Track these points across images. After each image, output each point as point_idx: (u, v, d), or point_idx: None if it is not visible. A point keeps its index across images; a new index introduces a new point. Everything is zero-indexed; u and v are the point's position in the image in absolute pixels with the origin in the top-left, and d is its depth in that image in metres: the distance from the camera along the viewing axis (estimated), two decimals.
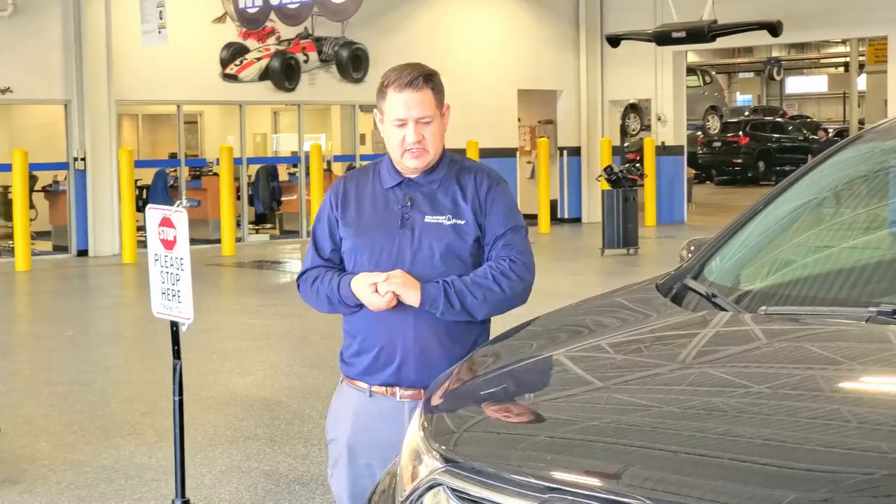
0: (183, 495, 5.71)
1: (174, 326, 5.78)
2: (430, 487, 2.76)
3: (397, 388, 3.63)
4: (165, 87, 18.25)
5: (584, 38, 22.84)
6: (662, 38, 19.00)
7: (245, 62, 19.33)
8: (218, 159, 18.46)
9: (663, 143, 22.46)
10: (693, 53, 35.80)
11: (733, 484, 2.35)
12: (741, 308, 3.19)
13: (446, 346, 3.58)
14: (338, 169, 21.26)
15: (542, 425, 2.80)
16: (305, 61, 19.91)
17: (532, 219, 21.03)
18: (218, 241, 17.98)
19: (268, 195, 20.87)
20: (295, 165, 21.05)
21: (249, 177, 20.52)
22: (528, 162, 23.53)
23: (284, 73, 19.67)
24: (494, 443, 2.78)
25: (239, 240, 18.77)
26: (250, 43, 19.35)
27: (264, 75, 19.49)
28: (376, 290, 3.49)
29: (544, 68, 22.63)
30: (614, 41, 19.95)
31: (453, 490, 2.70)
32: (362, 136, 22.33)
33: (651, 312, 3.32)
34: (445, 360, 3.53)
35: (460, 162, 3.65)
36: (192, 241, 4.97)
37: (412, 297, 3.49)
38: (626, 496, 2.39)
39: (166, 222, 4.97)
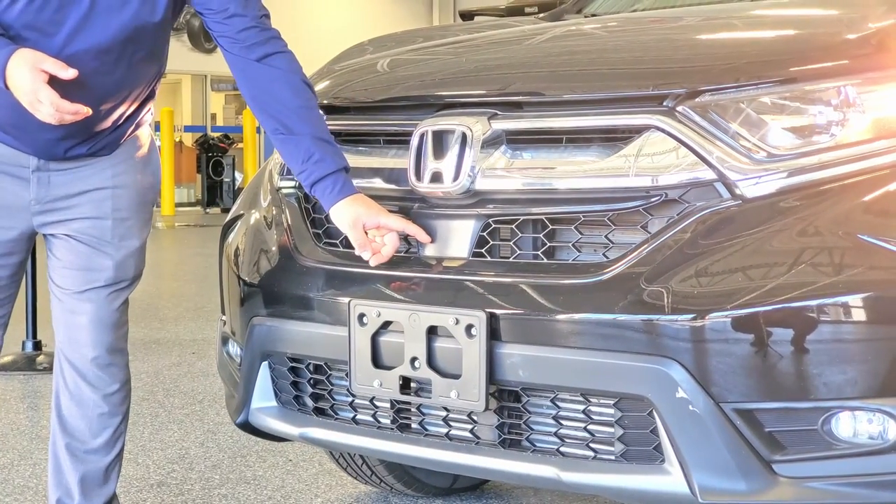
0: (34, 336, 5.53)
1: None
2: None
3: None
4: None
5: (437, 14, 23.00)
6: (516, 13, 19.24)
7: None
8: None
9: None
10: None
11: (617, 80, 2.35)
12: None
13: None
14: (188, 139, 20.93)
15: (416, 69, 2.79)
16: None
17: None
18: None
19: None
20: None
21: None
22: None
23: None
24: (373, 88, 2.73)
25: None
26: None
27: None
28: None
29: None
30: (467, 16, 20.12)
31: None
32: (213, 116, 22.07)
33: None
34: None
35: None
36: None
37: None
38: (519, 95, 2.39)
39: None
